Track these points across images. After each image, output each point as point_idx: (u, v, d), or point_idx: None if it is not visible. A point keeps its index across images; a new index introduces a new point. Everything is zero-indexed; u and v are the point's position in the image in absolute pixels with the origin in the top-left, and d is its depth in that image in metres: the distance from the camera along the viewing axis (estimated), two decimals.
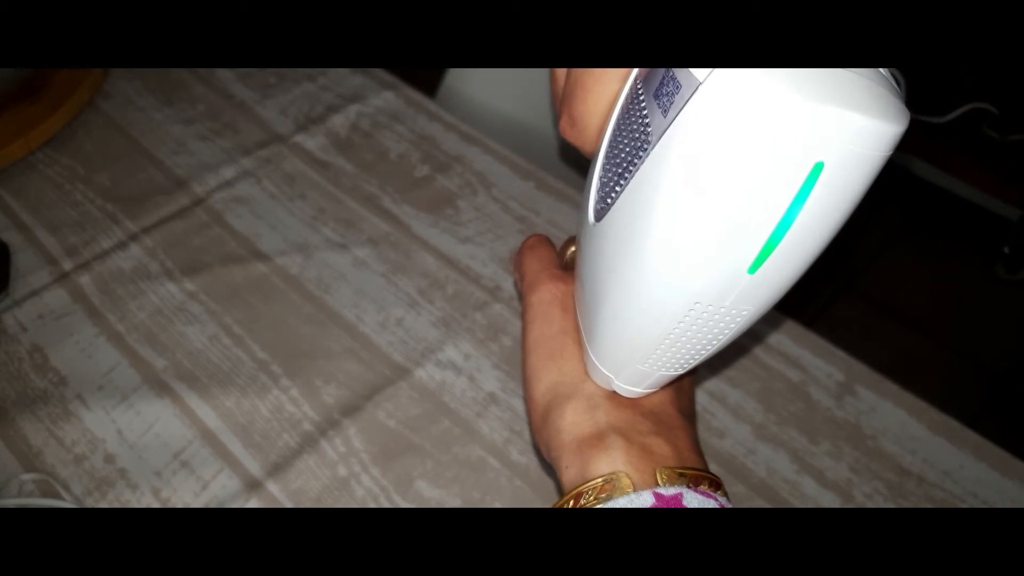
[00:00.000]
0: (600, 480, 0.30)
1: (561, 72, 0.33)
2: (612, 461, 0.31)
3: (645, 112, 0.27)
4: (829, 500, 0.46)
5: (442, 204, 0.60)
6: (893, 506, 0.45)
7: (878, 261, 1.49)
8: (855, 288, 1.44)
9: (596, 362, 0.33)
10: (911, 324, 1.39)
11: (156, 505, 0.43)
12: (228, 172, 0.61)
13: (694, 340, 0.29)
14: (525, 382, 0.35)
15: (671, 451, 0.31)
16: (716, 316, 0.28)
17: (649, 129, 0.26)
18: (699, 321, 0.28)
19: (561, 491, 0.32)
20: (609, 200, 0.29)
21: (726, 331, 0.29)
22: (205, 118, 0.65)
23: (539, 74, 0.73)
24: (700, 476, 0.31)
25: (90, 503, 0.43)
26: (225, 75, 0.69)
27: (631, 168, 0.27)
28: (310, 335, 0.51)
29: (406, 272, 0.55)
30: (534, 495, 0.45)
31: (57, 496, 0.43)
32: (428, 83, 0.74)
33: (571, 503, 0.30)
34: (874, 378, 0.51)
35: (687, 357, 0.30)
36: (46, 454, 0.45)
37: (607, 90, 0.30)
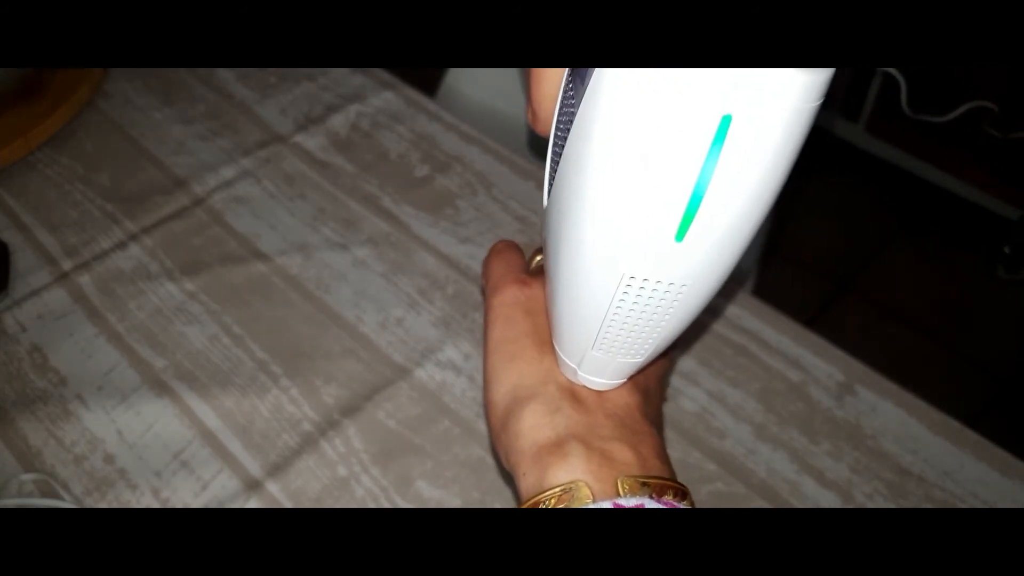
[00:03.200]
0: (559, 489, 0.29)
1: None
2: (571, 470, 0.30)
3: (571, 85, 0.27)
4: (829, 500, 0.46)
5: (442, 204, 0.60)
6: (893, 506, 0.45)
7: (878, 261, 1.49)
8: (855, 288, 1.44)
9: (560, 353, 0.32)
10: (911, 324, 1.39)
11: (156, 505, 0.43)
12: (228, 172, 0.61)
13: (640, 320, 0.28)
14: (485, 385, 0.34)
15: (634, 458, 0.30)
16: (655, 292, 0.27)
17: (573, 101, 0.26)
18: (639, 299, 0.27)
19: (518, 499, 0.31)
20: (552, 179, 0.29)
21: (671, 309, 0.27)
22: (205, 118, 0.65)
23: None
24: (664, 485, 0.30)
25: (90, 503, 0.43)
26: (225, 75, 0.69)
27: (564, 143, 0.27)
28: (310, 335, 0.51)
29: (406, 272, 0.55)
30: None
31: (57, 496, 0.43)
32: (428, 83, 0.74)
33: None
34: (874, 378, 0.51)
35: (639, 340, 0.29)
36: (46, 454, 0.45)
37: (556, 76, 0.30)
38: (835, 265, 1.46)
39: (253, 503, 0.44)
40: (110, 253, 0.55)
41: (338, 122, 0.65)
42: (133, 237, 0.56)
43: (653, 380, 0.35)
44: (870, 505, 0.45)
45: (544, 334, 0.34)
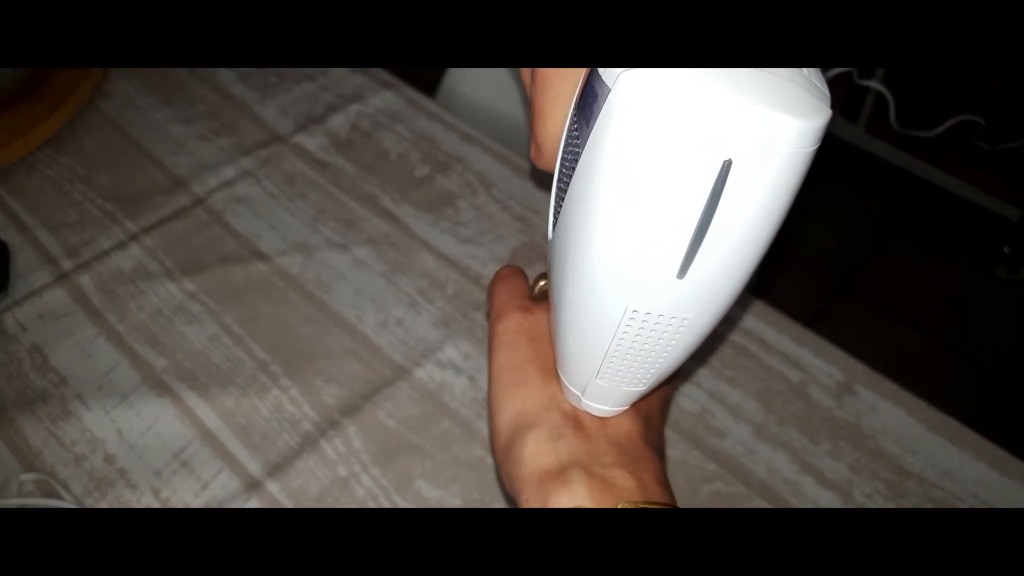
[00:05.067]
0: None
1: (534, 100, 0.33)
2: (573, 496, 0.30)
3: (575, 126, 0.27)
4: (829, 500, 0.46)
5: (442, 204, 0.60)
6: (893, 506, 0.45)
7: (878, 261, 1.49)
8: (855, 288, 1.44)
9: (564, 381, 0.33)
10: (911, 324, 1.39)
11: (156, 505, 0.43)
12: (228, 172, 0.61)
13: (643, 351, 0.29)
14: (489, 411, 0.35)
15: (635, 484, 0.31)
16: (658, 325, 0.27)
17: (578, 141, 0.27)
18: (642, 331, 0.28)
19: None
20: (557, 214, 0.29)
21: (672, 341, 0.28)
22: (205, 118, 0.65)
23: None
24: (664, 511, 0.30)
25: (90, 503, 0.43)
26: (225, 75, 0.69)
27: (569, 180, 0.28)
28: (310, 335, 0.51)
29: (406, 272, 0.55)
30: None
31: (57, 496, 0.43)
32: (428, 83, 0.74)
33: None
34: (874, 378, 0.51)
35: (642, 370, 0.30)
36: (46, 454, 0.45)
37: (561, 113, 0.30)
38: (835, 265, 1.46)
39: (253, 503, 0.44)
40: (110, 253, 0.55)
41: (338, 122, 0.65)
42: (133, 237, 0.56)
43: (655, 406, 0.36)
44: (870, 505, 0.45)
45: (548, 360, 0.34)
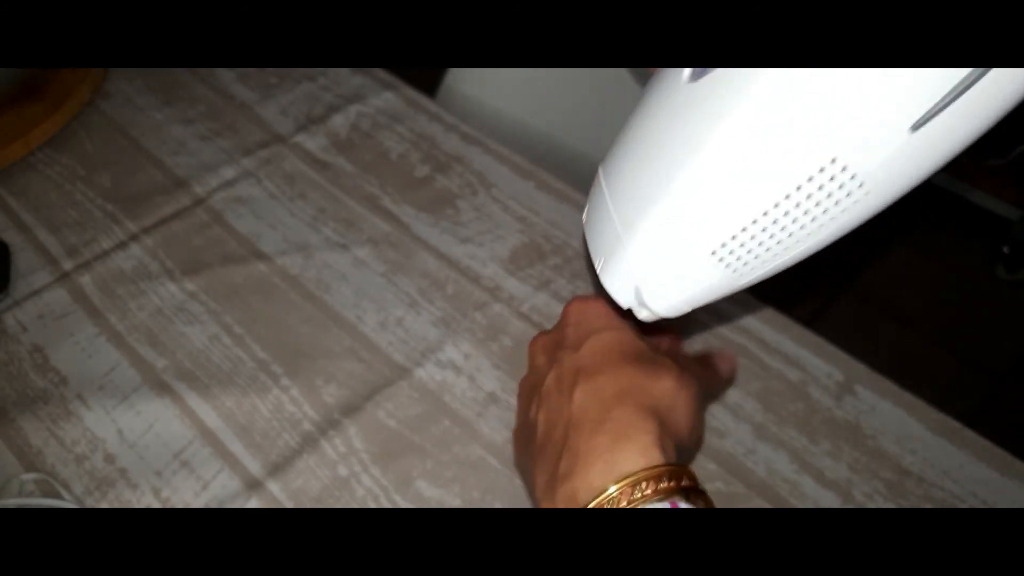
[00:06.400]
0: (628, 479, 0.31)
1: None
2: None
3: None
4: (829, 500, 0.46)
5: (442, 204, 0.60)
6: (893, 506, 0.45)
7: (878, 261, 1.49)
8: (855, 288, 1.44)
9: (630, 262, 0.29)
10: (911, 324, 1.39)
11: (156, 505, 0.43)
12: (228, 172, 0.61)
13: (790, 224, 0.26)
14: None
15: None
16: (835, 191, 0.25)
17: None
18: (811, 196, 0.25)
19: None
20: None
21: (830, 219, 0.26)
22: (205, 118, 0.65)
23: (538, 74, 0.73)
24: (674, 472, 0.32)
25: (90, 503, 0.43)
26: (225, 75, 0.69)
27: None
28: (310, 335, 0.51)
29: (406, 272, 0.55)
30: None
31: (57, 496, 0.43)
32: (428, 83, 0.74)
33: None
34: (874, 378, 0.51)
35: (766, 254, 0.27)
36: (46, 454, 0.45)
37: None
38: (835, 265, 1.46)
39: (253, 503, 0.44)
40: (111, 253, 0.55)
41: (338, 122, 0.65)
42: (134, 237, 0.56)
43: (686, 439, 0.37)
44: (870, 505, 0.45)
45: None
